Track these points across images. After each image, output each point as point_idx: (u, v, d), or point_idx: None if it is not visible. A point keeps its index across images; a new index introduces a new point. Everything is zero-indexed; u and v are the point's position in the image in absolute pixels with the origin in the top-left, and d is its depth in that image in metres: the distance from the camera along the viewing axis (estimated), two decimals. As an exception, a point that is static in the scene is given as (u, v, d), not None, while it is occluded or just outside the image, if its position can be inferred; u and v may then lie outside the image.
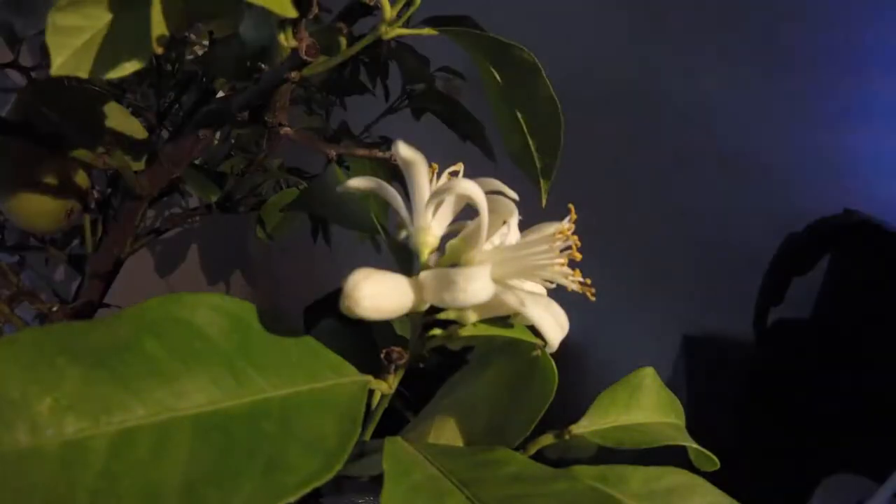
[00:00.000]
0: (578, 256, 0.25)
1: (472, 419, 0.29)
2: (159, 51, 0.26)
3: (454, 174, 0.27)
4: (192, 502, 0.17)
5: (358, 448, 0.30)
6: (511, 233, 0.27)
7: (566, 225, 0.26)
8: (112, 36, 0.26)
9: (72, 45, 0.26)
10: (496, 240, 0.27)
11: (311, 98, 0.77)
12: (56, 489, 0.16)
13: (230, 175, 0.62)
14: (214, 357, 0.21)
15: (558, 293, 0.28)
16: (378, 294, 0.22)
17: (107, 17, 0.26)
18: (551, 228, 0.26)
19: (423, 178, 0.25)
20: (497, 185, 0.27)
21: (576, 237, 0.25)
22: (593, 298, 0.26)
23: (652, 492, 0.27)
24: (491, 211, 0.25)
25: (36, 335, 0.19)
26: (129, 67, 0.27)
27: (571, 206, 0.27)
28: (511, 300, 0.23)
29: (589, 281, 0.26)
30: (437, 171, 0.27)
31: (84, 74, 0.26)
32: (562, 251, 0.25)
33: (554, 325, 0.24)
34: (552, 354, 0.26)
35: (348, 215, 0.33)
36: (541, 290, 0.27)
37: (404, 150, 0.24)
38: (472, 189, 0.24)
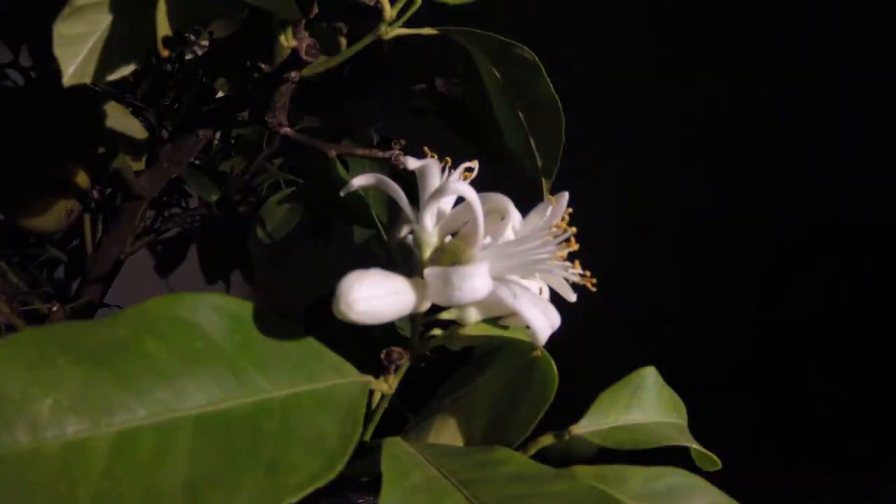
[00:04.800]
0: (576, 246, 0.25)
1: (472, 419, 0.28)
2: (165, 53, 0.26)
3: (469, 170, 0.28)
4: (193, 503, 0.17)
5: (358, 448, 0.30)
6: (509, 228, 0.27)
7: (562, 217, 0.26)
8: (111, 38, 0.26)
9: (79, 52, 0.26)
10: (498, 236, 0.27)
11: (312, 98, 0.77)
12: (57, 490, 0.16)
13: (230, 175, 0.62)
14: (216, 357, 0.21)
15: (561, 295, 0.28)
16: (374, 297, 0.22)
17: (108, 20, 0.26)
18: (546, 213, 0.27)
19: (434, 179, 0.26)
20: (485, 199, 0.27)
21: (573, 228, 0.25)
22: (594, 289, 0.26)
23: (652, 492, 0.27)
24: (489, 210, 0.25)
25: (36, 335, 0.19)
26: (127, 68, 0.27)
27: (553, 197, 0.27)
28: (504, 294, 0.23)
29: (588, 273, 0.26)
30: (450, 164, 0.27)
31: (91, 80, 0.26)
32: (559, 244, 0.25)
33: (542, 320, 0.24)
34: (552, 354, 0.26)
35: (348, 210, 0.33)
36: (544, 290, 0.28)
37: (413, 162, 0.25)
38: (464, 189, 0.24)
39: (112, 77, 0.27)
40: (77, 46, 0.26)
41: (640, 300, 1.31)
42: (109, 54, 0.26)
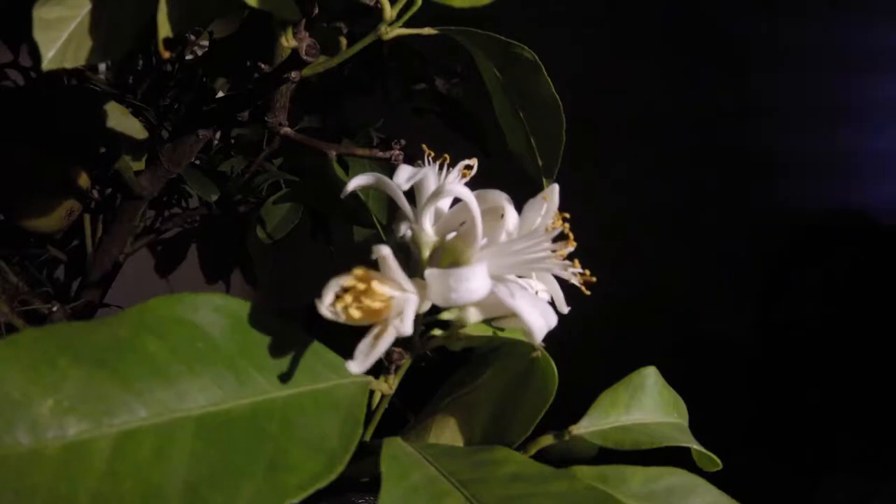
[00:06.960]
0: (574, 244, 0.25)
1: (472, 419, 0.29)
2: (166, 54, 0.26)
3: (469, 167, 0.28)
4: None
5: (358, 448, 0.30)
6: (506, 226, 0.27)
7: (556, 215, 0.26)
8: (92, 23, 0.26)
9: (58, 37, 0.26)
10: (496, 235, 0.27)
11: (312, 98, 0.77)
12: (57, 491, 0.16)
13: (230, 175, 0.62)
14: (216, 357, 0.21)
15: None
16: None
17: (87, 5, 0.26)
18: (541, 210, 0.26)
19: (430, 183, 0.26)
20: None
21: (567, 225, 0.25)
22: (587, 292, 0.26)
23: (652, 492, 0.27)
24: (486, 209, 0.25)
25: (36, 335, 0.19)
26: (108, 55, 0.27)
27: (545, 194, 0.27)
28: (503, 293, 0.23)
29: (588, 272, 0.26)
30: (448, 162, 0.27)
31: (70, 64, 0.26)
32: (557, 241, 0.25)
33: (540, 320, 0.24)
34: (552, 355, 0.26)
35: (348, 210, 0.33)
36: (543, 291, 0.28)
37: (404, 175, 0.26)
38: (461, 190, 0.24)
39: (93, 62, 0.26)
40: (56, 31, 0.25)
41: (641, 300, 1.31)
42: (90, 40, 0.26)
